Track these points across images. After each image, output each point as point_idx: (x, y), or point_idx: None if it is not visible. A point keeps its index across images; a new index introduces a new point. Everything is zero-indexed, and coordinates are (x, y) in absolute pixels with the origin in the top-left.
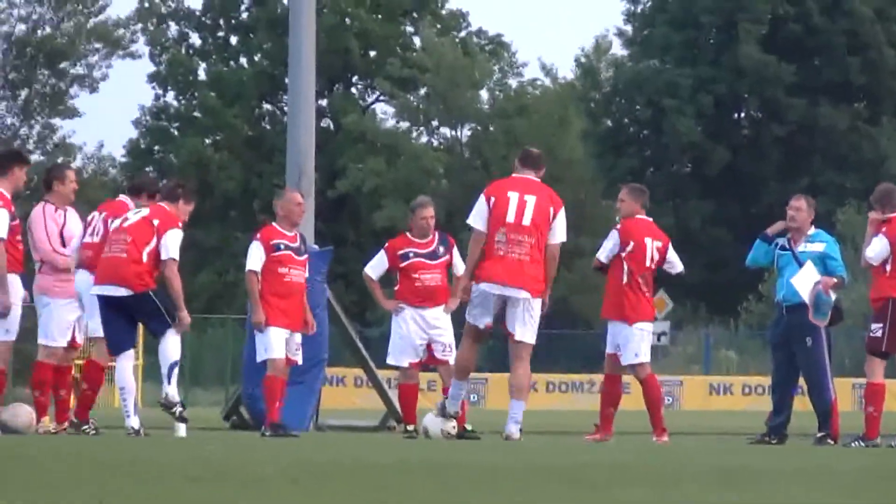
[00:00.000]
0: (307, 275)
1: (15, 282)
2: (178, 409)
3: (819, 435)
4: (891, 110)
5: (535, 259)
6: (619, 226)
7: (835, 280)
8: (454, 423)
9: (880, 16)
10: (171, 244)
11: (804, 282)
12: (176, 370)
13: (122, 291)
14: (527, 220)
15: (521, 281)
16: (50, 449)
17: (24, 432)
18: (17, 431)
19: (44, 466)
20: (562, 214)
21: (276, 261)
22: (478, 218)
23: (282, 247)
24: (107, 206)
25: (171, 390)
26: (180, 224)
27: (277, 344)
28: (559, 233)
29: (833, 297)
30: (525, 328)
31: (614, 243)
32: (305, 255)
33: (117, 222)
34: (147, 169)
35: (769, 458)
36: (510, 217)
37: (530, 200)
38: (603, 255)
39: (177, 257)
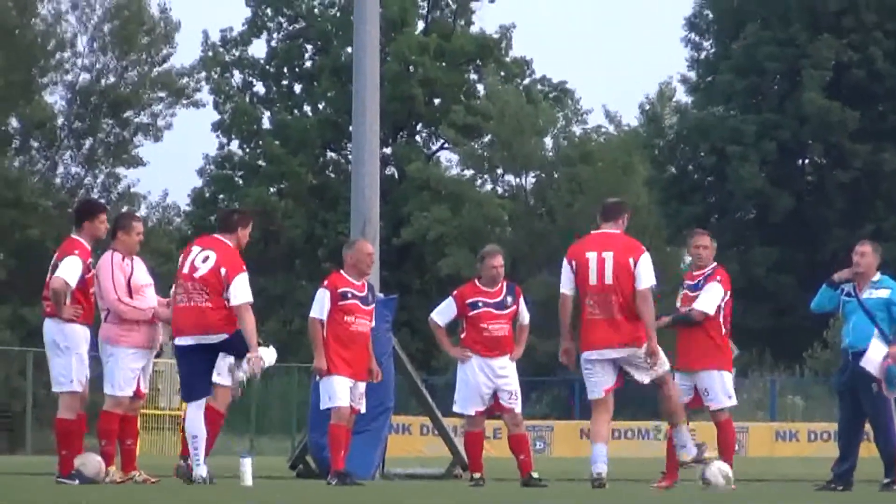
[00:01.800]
0: (373, 323)
1: (83, 333)
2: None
3: (885, 481)
4: None
5: (626, 314)
6: (718, 277)
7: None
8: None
9: None
10: (241, 289)
11: (874, 358)
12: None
13: (212, 339)
14: (609, 279)
15: (621, 339)
16: (116, 498)
17: (95, 481)
18: (89, 480)
19: None
20: (643, 260)
21: (343, 310)
22: (564, 282)
23: (349, 295)
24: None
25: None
26: (242, 264)
27: (342, 392)
28: (644, 279)
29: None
30: (646, 374)
31: (720, 294)
32: (372, 305)
33: (186, 268)
34: (211, 218)
35: None
36: (592, 280)
37: (608, 257)
38: (713, 306)
39: (250, 299)
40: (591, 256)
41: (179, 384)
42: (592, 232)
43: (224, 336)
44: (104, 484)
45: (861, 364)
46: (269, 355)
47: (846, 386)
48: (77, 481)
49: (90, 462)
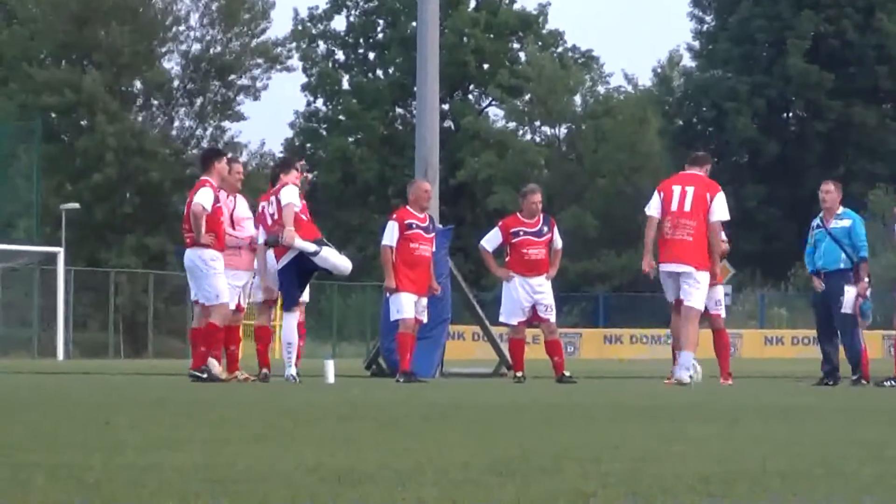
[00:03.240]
0: (433, 249)
1: (218, 256)
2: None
3: (853, 378)
4: None
5: (697, 238)
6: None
7: (865, 283)
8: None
9: None
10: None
11: (849, 299)
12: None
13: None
14: (687, 207)
15: (686, 258)
16: (224, 394)
17: (218, 378)
18: (214, 377)
19: (218, 408)
20: (719, 197)
21: (409, 238)
22: (651, 207)
23: (413, 226)
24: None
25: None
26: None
27: (408, 306)
28: (718, 212)
29: (870, 301)
30: (691, 297)
31: None
32: (433, 234)
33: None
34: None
35: (819, 398)
36: (674, 206)
37: (689, 191)
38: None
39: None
40: (676, 188)
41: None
42: (681, 172)
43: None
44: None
45: (842, 311)
46: (330, 253)
47: (820, 300)
48: (206, 375)
49: (213, 364)
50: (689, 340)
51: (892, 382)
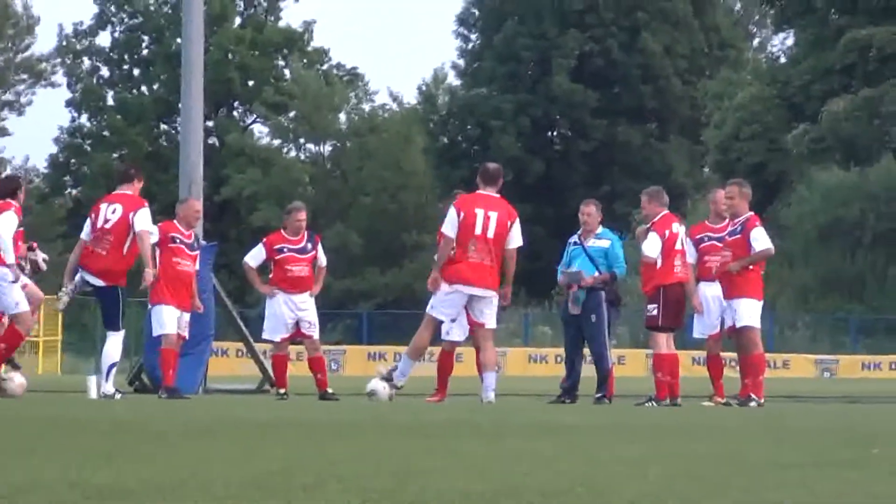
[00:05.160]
0: (196, 267)
1: None
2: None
3: (597, 395)
4: (676, 129)
5: (495, 263)
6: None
7: (593, 278)
8: (394, 390)
9: (668, 51)
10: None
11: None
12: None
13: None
14: (490, 233)
15: (489, 282)
16: None
17: None
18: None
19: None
20: (516, 224)
21: (172, 251)
22: (450, 227)
23: (177, 240)
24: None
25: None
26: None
27: (170, 322)
28: (515, 239)
29: (583, 293)
30: (493, 318)
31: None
32: (197, 251)
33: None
34: (65, 178)
35: (582, 416)
36: (478, 230)
37: (493, 216)
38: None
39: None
40: (479, 212)
41: None
42: (478, 192)
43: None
44: None
45: (563, 283)
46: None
47: (570, 316)
48: None
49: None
50: (493, 361)
51: (653, 403)
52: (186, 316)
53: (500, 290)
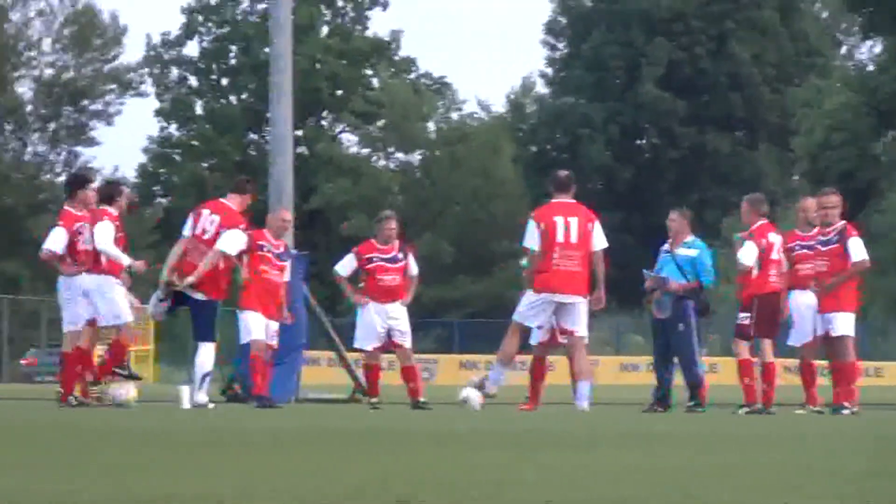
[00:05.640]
0: (287, 276)
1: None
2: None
3: (689, 404)
4: (765, 137)
5: (584, 268)
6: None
7: (679, 285)
8: (487, 399)
9: (756, 59)
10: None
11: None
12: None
13: None
14: (574, 239)
15: (576, 288)
16: (83, 419)
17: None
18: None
19: (76, 434)
20: (597, 225)
21: (260, 258)
22: (531, 240)
23: (264, 248)
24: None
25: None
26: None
27: (256, 328)
28: (599, 240)
29: (668, 298)
30: (584, 325)
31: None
32: (286, 261)
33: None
34: (154, 188)
35: (674, 425)
36: (560, 238)
37: (573, 222)
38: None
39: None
40: (559, 220)
41: None
42: (553, 201)
43: None
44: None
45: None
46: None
47: (659, 325)
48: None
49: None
50: (588, 370)
51: (746, 409)
52: (274, 325)
53: (593, 295)
